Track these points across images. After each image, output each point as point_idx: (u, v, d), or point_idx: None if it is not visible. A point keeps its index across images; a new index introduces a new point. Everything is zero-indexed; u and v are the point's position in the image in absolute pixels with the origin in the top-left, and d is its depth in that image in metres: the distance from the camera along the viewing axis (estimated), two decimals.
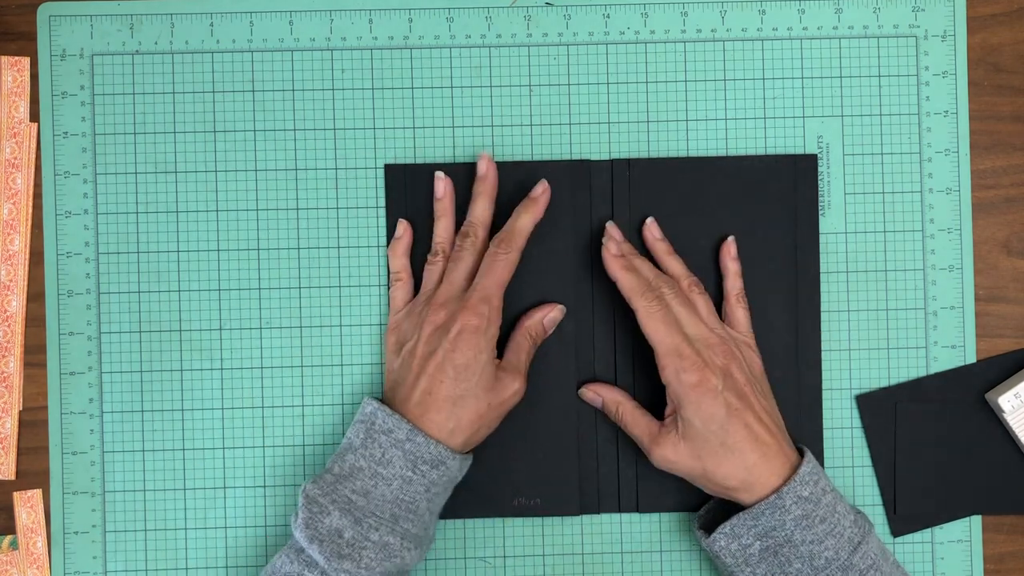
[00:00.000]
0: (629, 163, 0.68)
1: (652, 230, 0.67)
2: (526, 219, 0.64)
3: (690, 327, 0.63)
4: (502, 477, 0.67)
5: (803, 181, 0.68)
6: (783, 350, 0.67)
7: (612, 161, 0.68)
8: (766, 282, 0.67)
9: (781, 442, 0.62)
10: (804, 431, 0.68)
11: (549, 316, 0.66)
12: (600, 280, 0.67)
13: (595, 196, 0.68)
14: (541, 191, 0.65)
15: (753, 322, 0.67)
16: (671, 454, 0.63)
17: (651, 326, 0.63)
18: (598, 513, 0.68)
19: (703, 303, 0.65)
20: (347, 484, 0.60)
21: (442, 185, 0.67)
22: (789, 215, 0.68)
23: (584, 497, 0.67)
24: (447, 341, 0.61)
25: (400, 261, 0.67)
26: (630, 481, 0.67)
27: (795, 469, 0.62)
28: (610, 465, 0.67)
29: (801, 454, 0.63)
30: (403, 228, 0.67)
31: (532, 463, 0.67)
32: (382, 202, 0.68)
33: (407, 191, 0.68)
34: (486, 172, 0.66)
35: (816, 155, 0.68)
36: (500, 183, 0.67)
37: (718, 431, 0.61)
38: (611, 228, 0.66)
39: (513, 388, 0.63)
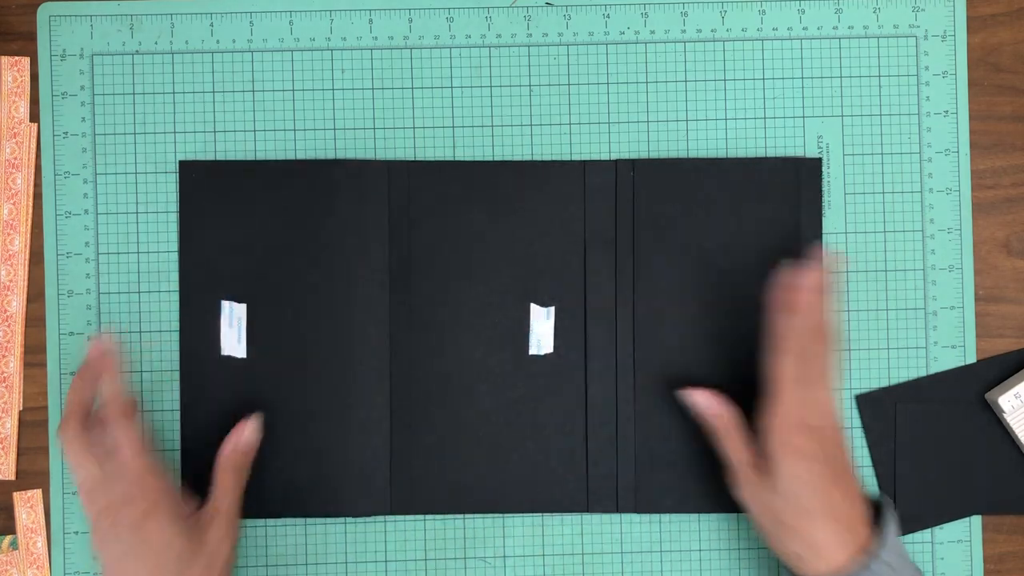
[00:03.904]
0: (633, 164, 0.68)
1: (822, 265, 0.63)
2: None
3: (818, 387, 0.61)
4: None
5: (807, 184, 0.68)
6: None
7: (616, 161, 0.68)
8: (766, 287, 0.67)
9: (856, 519, 0.60)
10: None
11: (242, 441, 0.64)
12: (598, 282, 0.67)
13: (595, 197, 0.68)
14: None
15: (755, 325, 0.67)
16: (752, 496, 0.61)
17: (783, 370, 0.60)
18: (588, 512, 0.68)
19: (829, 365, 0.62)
20: None
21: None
22: (793, 218, 0.68)
23: (587, 497, 0.68)
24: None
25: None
26: (629, 482, 0.67)
27: (865, 544, 0.59)
28: (609, 466, 0.67)
29: (877, 510, 0.62)
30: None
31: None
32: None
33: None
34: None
35: (820, 159, 0.68)
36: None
37: (802, 498, 0.59)
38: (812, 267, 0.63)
39: (224, 544, 0.61)
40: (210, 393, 0.67)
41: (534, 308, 0.67)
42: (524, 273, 0.67)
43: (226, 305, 0.67)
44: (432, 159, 0.68)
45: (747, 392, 0.66)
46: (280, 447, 0.67)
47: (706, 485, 0.67)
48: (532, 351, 0.67)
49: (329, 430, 0.67)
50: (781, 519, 0.60)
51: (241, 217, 0.67)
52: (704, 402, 0.64)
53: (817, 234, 0.68)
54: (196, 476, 0.66)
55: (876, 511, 0.62)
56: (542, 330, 0.67)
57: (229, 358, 0.67)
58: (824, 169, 0.69)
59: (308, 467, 0.67)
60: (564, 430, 0.67)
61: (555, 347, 0.67)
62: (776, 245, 0.67)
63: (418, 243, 0.67)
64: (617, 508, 0.68)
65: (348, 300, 0.67)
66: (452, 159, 0.68)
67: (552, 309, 0.67)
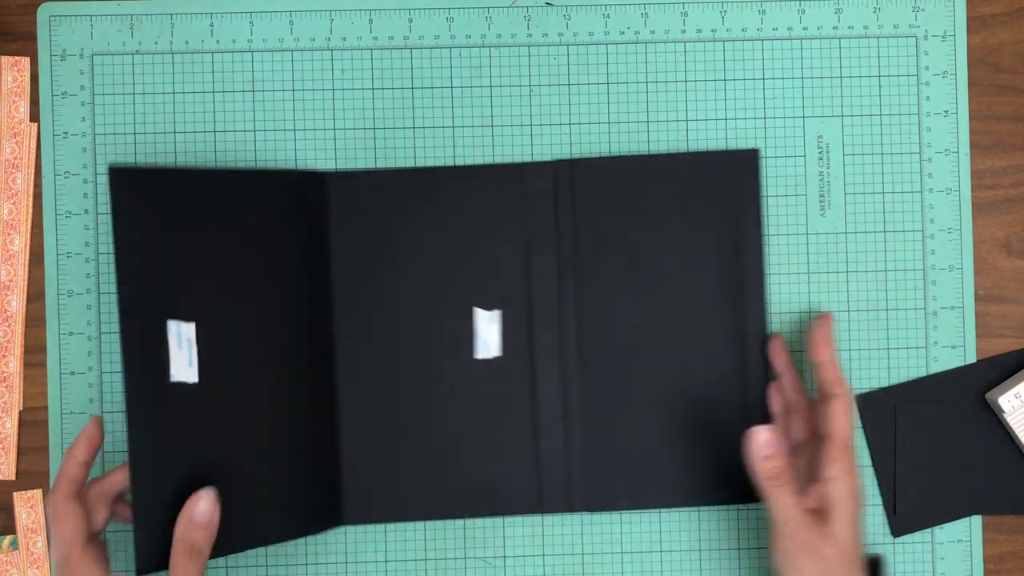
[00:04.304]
0: (572, 164, 0.67)
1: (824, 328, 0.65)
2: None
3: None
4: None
5: (745, 177, 0.68)
6: (730, 348, 0.67)
7: (555, 162, 0.68)
8: (710, 281, 0.67)
9: None
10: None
11: (196, 512, 0.58)
12: (542, 284, 0.67)
13: (536, 199, 0.67)
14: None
15: (696, 321, 0.67)
16: (802, 550, 0.59)
17: (846, 416, 0.62)
18: (542, 513, 0.67)
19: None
20: None
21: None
22: (733, 211, 0.67)
23: (534, 496, 0.67)
24: None
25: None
26: (581, 482, 0.67)
27: None
28: (560, 466, 0.67)
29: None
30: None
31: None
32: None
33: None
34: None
35: (758, 150, 0.68)
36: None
37: (856, 546, 0.60)
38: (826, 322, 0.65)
39: None
40: (162, 425, 0.60)
41: (479, 312, 0.67)
42: (468, 279, 0.67)
43: (173, 325, 0.61)
44: (374, 165, 0.68)
45: (696, 388, 0.66)
46: (240, 474, 0.63)
47: (658, 481, 0.67)
48: (479, 355, 0.67)
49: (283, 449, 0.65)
50: (830, 572, 0.59)
51: (179, 230, 0.61)
52: (760, 443, 0.60)
53: (757, 226, 0.67)
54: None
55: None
56: (488, 334, 0.67)
57: (180, 384, 0.61)
58: (824, 169, 0.69)
59: (267, 492, 0.64)
60: (515, 433, 0.67)
61: (502, 351, 0.67)
62: (717, 238, 0.67)
63: (362, 253, 0.67)
64: (571, 508, 0.67)
65: (290, 315, 0.65)
66: (451, 161, 0.68)
67: (497, 313, 0.67)
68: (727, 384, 0.67)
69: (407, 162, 0.68)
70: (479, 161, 0.68)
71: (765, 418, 0.66)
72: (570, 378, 0.67)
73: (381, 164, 0.68)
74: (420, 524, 0.68)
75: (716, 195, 0.67)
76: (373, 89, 0.69)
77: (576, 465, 0.67)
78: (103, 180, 0.68)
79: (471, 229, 0.67)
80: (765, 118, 0.69)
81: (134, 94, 0.68)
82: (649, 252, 0.67)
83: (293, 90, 0.68)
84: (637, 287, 0.67)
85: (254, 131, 0.68)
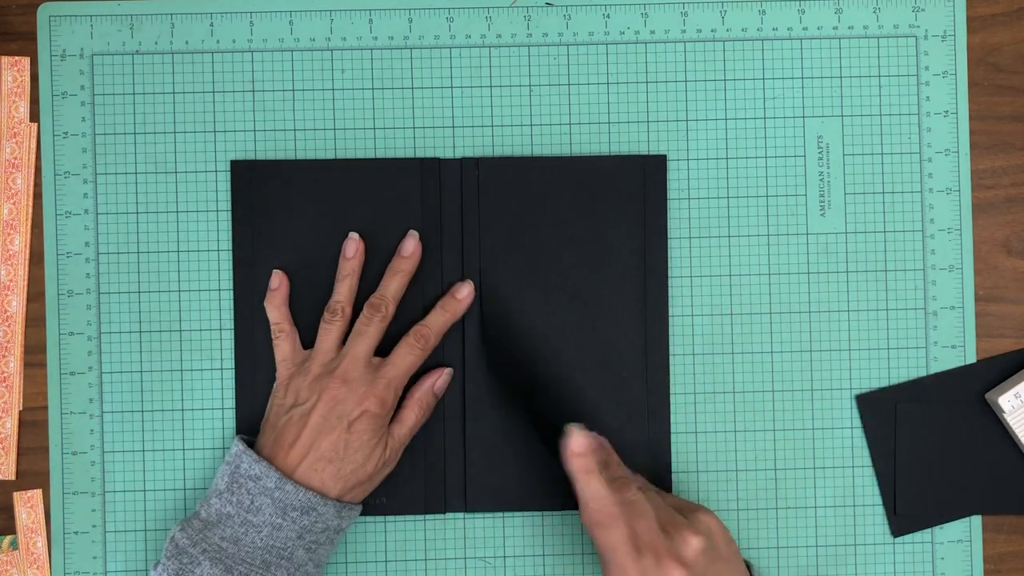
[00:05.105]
0: (477, 162, 0.67)
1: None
2: (445, 317, 0.66)
3: (642, 534, 0.58)
4: None
5: (652, 182, 0.68)
6: (632, 351, 0.67)
7: (461, 160, 0.68)
8: (614, 284, 0.67)
9: None
10: (653, 432, 0.68)
11: (439, 383, 0.66)
12: (450, 281, 0.67)
13: (445, 195, 0.67)
14: (411, 250, 0.66)
15: (601, 326, 0.67)
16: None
17: (597, 535, 0.59)
18: (444, 513, 0.67)
19: (649, 506, 0.60)
20: (216, 531, 0.60)
21: (354, 246, 0.66)
22: (638, 216, 0.68)
23: (429, 496, 0.67)
24: (346, 421, 0.62)
25: (279, 312, 0.66)
26: (478, 481, 0.67)
27: None
28: (457, 465, 0.67)
29: None
30: (278, 280, 0.67)
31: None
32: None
33: (255, 189, 0.67)
34: (412, 252, 0.66)
35: (665, 156, 0.68)
36: (345, 182, 0.67)
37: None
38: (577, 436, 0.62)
39: (392, 465, 0.65)
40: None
41: None
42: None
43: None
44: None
45: (598, 389, 0.66)
46: None
47: (551, 483, 0.66)
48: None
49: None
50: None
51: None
52: (574, 441, 0.60)
53: (662, 231, 0.68)
54: None
55: None
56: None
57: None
58: (824, 169, 0.69)
59: None
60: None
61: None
62: (623, 242, 0.67)
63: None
64: (464, 508, 0.67)
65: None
66: (453, 155, 0.68)
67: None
68: (628, 389, 0.67)
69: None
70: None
71: (664, 421, 0.67)
72: (470, 377, 0.67)
73: None
74: (420, 524, 0.68)
75: (623, 199, 0.68)
76: (373, 89, 0.69)
77: (473, 464, 0.67)
78: (103, 180, 0.68)
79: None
80: (765, 118, 0.69)
81: (134, 94, 0.68)
82: (553, 254, 0.67)
83: (293, 90, 0.68)
84: (539, 289, 0.67)
85: (254, 131, 0.68)
